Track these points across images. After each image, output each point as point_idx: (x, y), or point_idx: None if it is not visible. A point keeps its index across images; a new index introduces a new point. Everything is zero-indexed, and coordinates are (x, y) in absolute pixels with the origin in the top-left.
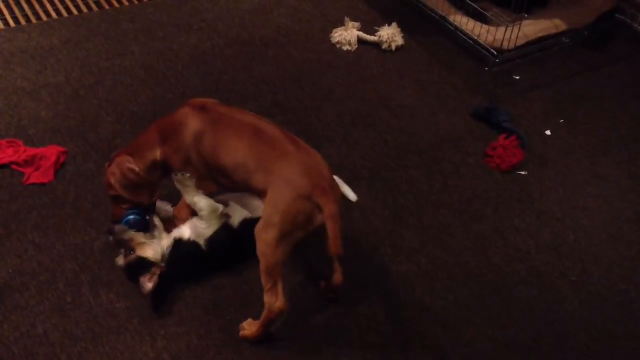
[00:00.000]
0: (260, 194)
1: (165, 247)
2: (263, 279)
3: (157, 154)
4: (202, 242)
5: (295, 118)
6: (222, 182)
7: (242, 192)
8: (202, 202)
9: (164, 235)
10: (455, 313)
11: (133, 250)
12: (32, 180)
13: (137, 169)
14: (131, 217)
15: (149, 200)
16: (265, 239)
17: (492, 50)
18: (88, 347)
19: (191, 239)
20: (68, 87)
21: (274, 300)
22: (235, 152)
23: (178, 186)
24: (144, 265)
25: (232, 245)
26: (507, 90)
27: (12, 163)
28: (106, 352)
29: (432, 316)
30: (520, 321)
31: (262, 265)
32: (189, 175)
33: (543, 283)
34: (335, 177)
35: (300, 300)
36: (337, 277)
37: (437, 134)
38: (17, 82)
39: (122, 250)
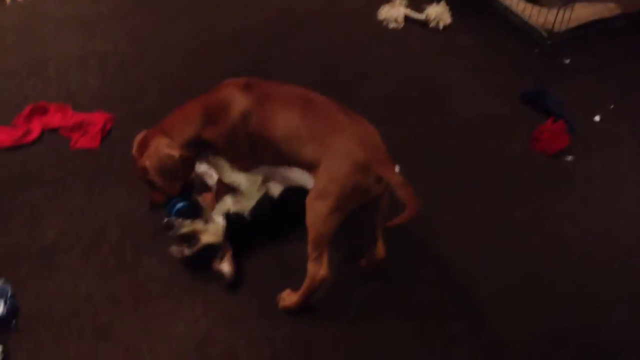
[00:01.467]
0: (309, 166)
1: (222, 227)
2: (310, 248)
3: (199, 132)
4: (245, 214)
5: (336, 95)
6: (265, 158)
7: (285, 165)
8: (239, 177)
9: (214, 213)
10: (492, 297)
11: (197, 239)
12: (79, 145)
13: (176, 155)
14: (179, 204)
15: (185, 182)
16: (317, 209)
17: (543, 32)
18: (129, 309)
19: (234, 211)
20: (115, 56)
21: (318, 269)
22: (286, 124)
23: (212, 167)
24: (210, 250)
25: (274, 215)
26: (555, 73)
27: (60, 127)
28: (146, 315)
29: (469, 299)
30: (559, 308)
31: (311, 235)
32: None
33: (584, 271)
34: None
35: (339, 274)
36: (380, 251)
37: (481, 115)
38: (66, 49)
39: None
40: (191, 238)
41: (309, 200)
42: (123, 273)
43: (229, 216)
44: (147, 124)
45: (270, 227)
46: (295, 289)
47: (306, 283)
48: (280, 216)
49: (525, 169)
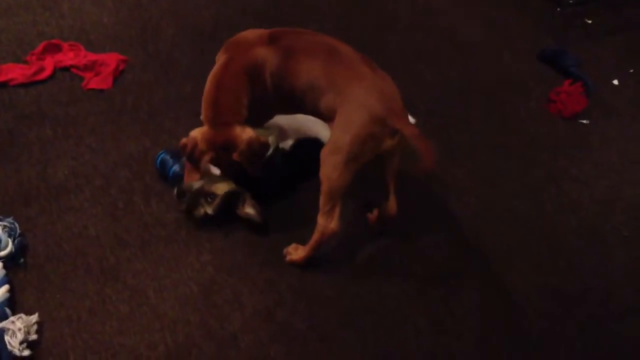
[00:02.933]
0: (327, 116)
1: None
2: (322, 201)
3: (247, 100)
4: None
5: (357, 45)
6: (288, 109)
7: (304, 113)
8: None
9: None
10: (500, 256)
11: (213, 193)
12: (91, 86)
13: (268, 141)
14: (174, 167)
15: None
16: (331, 162)
17: None
18: (136, 252)
19: None
20: None
21: (328, 223)
22: (308, 74)
23: None
24: (230, 199)
25: (285, 167)
26: (577, 33)
27: (72, 66)
28: (153, 259)
29: (476, 257)
30: (566, 271)
31: (325, 187)
32: None
33: (593, 235)
34: None
35: (347, 227)
36: (392, 207)
37: (500, 73)
38: None
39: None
40: (207, 194)
41: (323, 153)
42: (131, 216)
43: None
44: (159, 66)
45: (281, 179)
46: (302, 241)
47: (315, 236)
48: (291, 168)
49: (540, 130)
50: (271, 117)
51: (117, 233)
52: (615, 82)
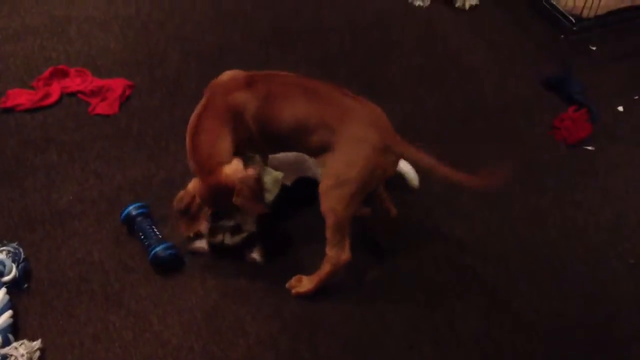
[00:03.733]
0: (317, 153)
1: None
2: (330, 233)
3: (231, 140)
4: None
5: (360, 70)
6: (276, 149)
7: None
8: (266, 176)
9: None
10: (504, 282)
11: (239, 227)
12: (97, 111)
13: (254, 173)
14: (157, 249)
15: None
16: (336, 195)
17: (571, 17)
18: (140, 278)
19: None
20: (137, 21)
21: (340, 254)
22: (293, 115)
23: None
24: (250, 238)
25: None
26: (581, 60)
27: (79, 92)
28: (157, 285)
29: (481, 282)
30: (571, 298)
31: (331, 221)
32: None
33: (598, 262)
34: (402, 162)
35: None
36: (393, 210)
37: (504, 99)
38: (89, 11)
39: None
40: (235, 227)
41: (323, 188)
42: (136, 241)
43: None
44: (166, 91)
45: (280, 210)
46: (303, 267)
47: (325, 268)
48: (291, 201)
49: (545, 156)
50: (266, 153)
51: (122, 259)
52: (620, 108)
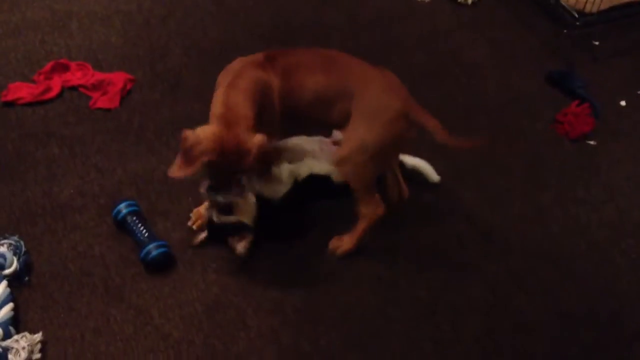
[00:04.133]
0: (340, 123)
1: (254, 209)
2: (359, 194)
3: (255, 113)
4: (276, 199)
5: None
6: (296, 127)
7: (316, 128)
8: (283, 169)
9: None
10: (506, 278)
11: (231, 211)
12: (98, 105)
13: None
14: (149, 247)
15: None
16: (357, 161)
17: (574, 13)
18: (141, 272)
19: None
20: (139, 16)
21: (374, 208)
22: (313, 86)
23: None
24: (236, 227)
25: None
26: (584, 55)
27: (80, 86)
28: (158, 278)
29: (483, 280)
30: (573, 294)
31: (357, 184)
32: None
33: (601, 258)
34: (417, 159)
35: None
36: (405, 190)
37: (507, 95)
38: (90, 5)
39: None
40: (228, 209)
41: (344, 154)
42: None
43: (258, 198)
44: (167, 85)
45: (288, 203)
46: (305, 261)
47: (362, 225)
48: (300, 194)
49: (548, 151)
50: (285, 132)
51: (122, 252)
52: (623, 103)
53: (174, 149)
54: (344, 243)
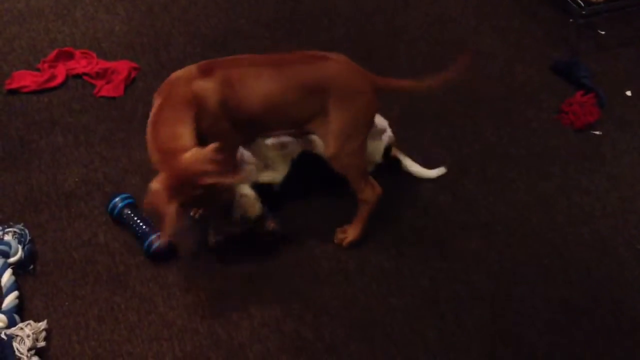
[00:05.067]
0: (307, 121)
1: (256, 198)
2: (356, 184)
3: (192, 128)
4: (275, 185)
5: (366, 54)
6: (251, 133)
7: (280, 129)
8: (271, 152)
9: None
10: (509, 268)
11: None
12: (102, 93)
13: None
14: (151, 237)
15: None
16: (349, 152)
17: (579, 1)
18: (145, 260)
19: (265, 182)
20: (143, 3)
21: (372, 191)
22: (263, 92)
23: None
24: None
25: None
26: (590, 44)
27: (84, 74)
28: (162, 267)
29: (486, 268)
30: (577, 284)
31: (353, 174)
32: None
33: (605, 248)
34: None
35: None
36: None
37: (511, 84)
38: None
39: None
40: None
41: (333, 151)
42: None
43: (258, 187)
44: (170, 74)
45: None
46: (308, 250)
47: (365, 210)
48: (297, 184)
49: (552, 141)
50: (237, 144)
51: (127, 241)
52: (629, 93)
53: None
54: (348, 234)
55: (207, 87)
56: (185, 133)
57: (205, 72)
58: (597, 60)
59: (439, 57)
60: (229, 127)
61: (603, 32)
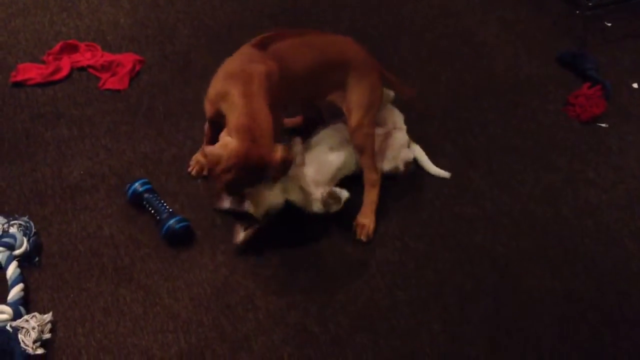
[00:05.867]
0: (332, 91)
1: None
2: (370, 159)
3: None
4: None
5: (372, 46)
6: (292, 98)
7: (310, 99)
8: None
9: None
10: (515, 261)
11: (243, 199)
12: (107, 86)
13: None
14: (170, 222)
15: None
16: (368, 122)
17: None
18: (150, 253)
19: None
20: None
21: (378, 173)
22: (305, 63)
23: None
24: (244, 215)
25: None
26: (596, 36)
27: (89, 67)
28: (167, 259)
29: (491, 261)
30: (583, 276)
31: (368, 147)
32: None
33: (611, 240)
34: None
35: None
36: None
37: (517, 76)
38: None
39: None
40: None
41: (357, 122)
42: (146, 215)
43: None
44: (176, 66)
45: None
46: (313, 243)
47: (374, 194)
48: None
49: (558, 133)
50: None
51: (132, 233)
52: (635, 85)
53: (183, 131)
54: (366, 225)
55: (272, 64)
56: (270, 124)
57: (264, 49)
58: (603, 52)
59: (445, 49)
60: (281, 95)
61: (609, 24)
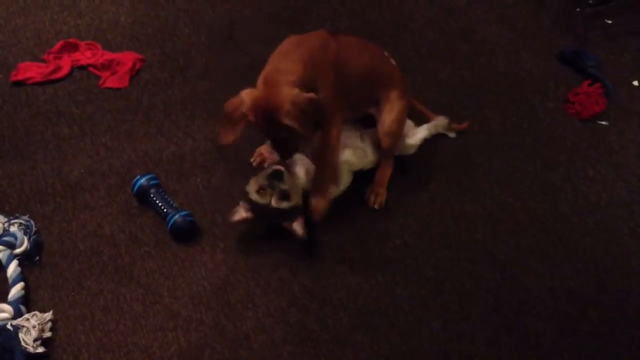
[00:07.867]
0: (375, 101)
1: (302, 189)
2: (389, 154)
3: (310, 75)
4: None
5: (374, 43)
6: (344, 99)
7: (358, 105)
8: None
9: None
10: (515, 258)
11: (287, 196)
12: (107, 84)
13: (315, 96)
14: (175, 217)
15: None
16: (397, 130)
17: None
18: (151, 251)
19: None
20: None
21: (392, 160)
22: (362, 63)
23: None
24: (288, 213)
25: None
26: (597, 34)
27: (89, 65)
28: (167, 258)
29: (491, 259)
30: (582, 273)
31: (394, 147)
32: None
33: (610, 238)
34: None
35: (360, 230)
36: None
37: (517, 73)
38: None
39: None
40: (286, 194)
41: (391, 128)
42: (146, 214)
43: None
44: (176, 65)
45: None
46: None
47: (388, 172)
48: None
49: (558, 130)
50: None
51: (132, 232)
52: (635, 83)
53: (183, 129)
54: (379, 195)
55: (333, 44)
56: (296, 69)
57: (332, 35)
58: (604, 50)
59: (445, 46)
60: (334, 88)
61: (610, 21)
